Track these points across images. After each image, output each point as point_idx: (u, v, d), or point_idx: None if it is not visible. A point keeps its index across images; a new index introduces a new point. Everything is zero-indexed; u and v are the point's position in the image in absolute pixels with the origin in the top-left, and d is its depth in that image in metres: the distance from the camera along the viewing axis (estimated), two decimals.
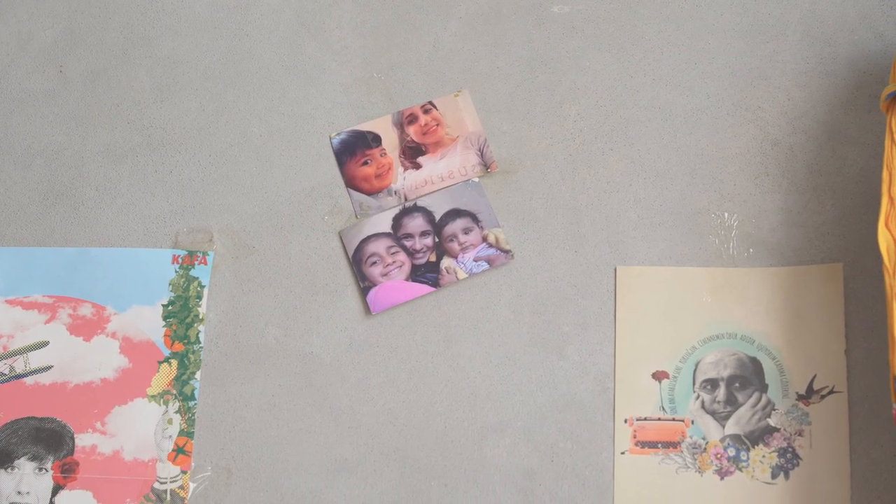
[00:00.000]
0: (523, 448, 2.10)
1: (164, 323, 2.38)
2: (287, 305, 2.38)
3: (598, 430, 2.04)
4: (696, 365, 2.01)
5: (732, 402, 1.96)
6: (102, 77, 2.54)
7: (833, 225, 2.26)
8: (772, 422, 2.04)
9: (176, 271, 2.42)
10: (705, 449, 1.94)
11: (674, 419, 1.96)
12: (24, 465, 2.33)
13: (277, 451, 2.29)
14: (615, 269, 2.12)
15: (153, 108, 2.52)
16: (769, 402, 2.05)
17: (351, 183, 2.39)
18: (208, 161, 2.47)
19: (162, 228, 2.42)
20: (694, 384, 1.99)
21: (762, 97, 2.40)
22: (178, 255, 2.42)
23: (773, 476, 2.00)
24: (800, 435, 2.03)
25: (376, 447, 2.28)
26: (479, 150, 2.36)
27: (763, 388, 2.06)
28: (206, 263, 2.43)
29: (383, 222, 2.34)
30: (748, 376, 2.07)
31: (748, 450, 1.94)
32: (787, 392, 2.06)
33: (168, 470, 2.30)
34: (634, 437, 1.97)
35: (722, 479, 1.94)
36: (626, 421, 1.99)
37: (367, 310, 2.34)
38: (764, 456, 2.00)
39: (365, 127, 2.42)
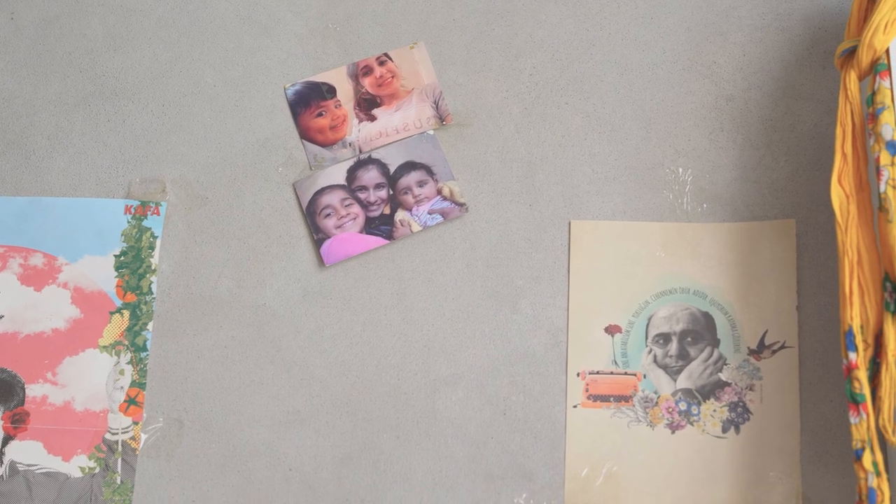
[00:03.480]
0: (476, 401, 2.11)
1: (116, 273, 2.37)
2: (240, 257, 2.37)
3: (551, 383, 2.06)
4: (649, 319, 2.03)
5: (684, 357, 1.99)
6: (54, 25, 2.52)
7: (786, 181, 2.26)
8: (723, 376, 2.05)
9: (128, 222, 2.40)
10: (657, 403, 1.98)
11: (626, 373, 1.99)
12: None
13: (230, 403, 2.29)
14: (569, 224, 2.12)
15: (106, 57, 2.49)
16: (721, 356, 2.06)
17: (305, 134, 2.38)
18: (161, 111, 2.45)
19: (114, 178, 2.41)
20: (646, 338, 2.02)
21: (718, 52, 2.40)
22: (131, 206, 2.41)
23: (724, 430, 2.03)
24: (751, 389, 2.04)
25: (329, 399, 2.28)
26: (435, 102, 2.35)
27: (715, 342, 2.07)
28: (158, 214, 2.42)
29: (337, 174, 2.33)
30: (700, 331, 2.08)
31: (699, 404, 1.98)
32: (739, 347, 2.07)
33: (119, 421, 2.30)
34: (587, 390, 1.99)
35: (673, 432, 1.98)
36: (578, 374, 2.02)
37: (321, 262, 2.34)
38: (715, 410, 2.02)
39: (320, 78, 2.41)
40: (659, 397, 1.98)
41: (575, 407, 2.01)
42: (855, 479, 2.06)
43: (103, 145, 2.43)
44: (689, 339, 2.02)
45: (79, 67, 2.49)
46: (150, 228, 2.39)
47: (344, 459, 2.26)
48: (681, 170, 2.19)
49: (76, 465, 2.29)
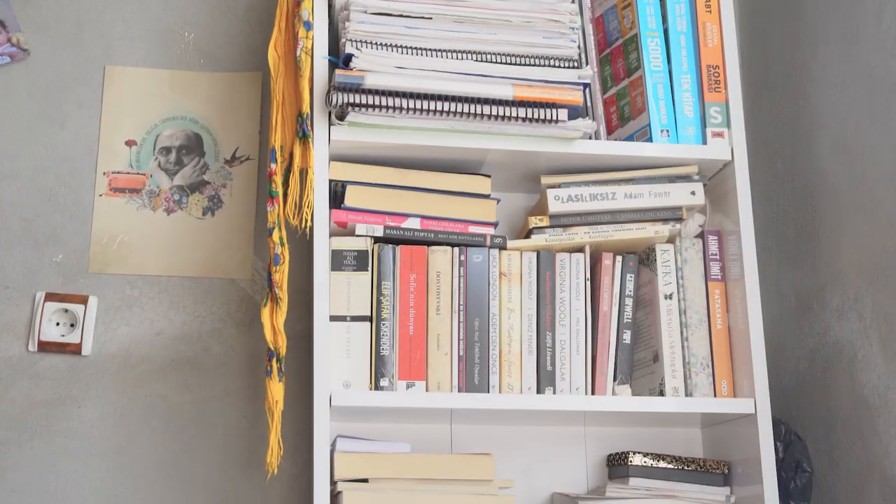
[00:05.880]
0: (29, 191, 2.46)
1: None
2: None
3: (85, 179, 2.49)
4: (157, 137, 2.53)
5: (180, 164, 2.53)
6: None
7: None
8: (206, 178, 2.52)
9: None
10: (159, 194, 2.51)
11: (138, 173, 2.52)
12: None
13: None
14: (104, 67, 2.55)
15: None
16: (205, 164, 2.53)
17: None
18: None
19: None
20: (154, 149, 2.53)
21: None
22: None
23: (204, 214, 2.50)
24: (224, 187, 2.51)
25: None
26: None
27: (202, 154, 2.53)
28: None
29: None
30: (192, 146, 2.54)
31: (188, 195, 2.52)
32: (218, 158, 2.54)
33: None
34: (109, 184, 2.50)
35: (168, 215, 2.50)
36: (104, 174, 2.51)
37: None
38: (199, 200, 2.52)
39: None
40: (160, 190, 2.51)
41: (101, 196, 2.49)
42: None
43: None
44: (183, 151, 2.54)
45: None
46: None
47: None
48: (186, 33, 2.56)
49: None
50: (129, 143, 2.51)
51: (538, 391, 2.15)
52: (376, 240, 2.17)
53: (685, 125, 2.23)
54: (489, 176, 2.23)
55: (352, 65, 2.11)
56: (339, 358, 2.11)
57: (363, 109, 2.11)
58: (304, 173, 2.17)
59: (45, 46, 2.51)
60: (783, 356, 2.38)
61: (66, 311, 2.32)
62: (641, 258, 2.24)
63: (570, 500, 2.21)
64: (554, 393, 2.16)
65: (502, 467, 2.24)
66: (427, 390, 2.13)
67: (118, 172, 2.49)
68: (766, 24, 2.51)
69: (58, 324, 2.31)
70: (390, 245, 2.16)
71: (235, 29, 2.56)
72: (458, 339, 2.15)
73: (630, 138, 2.25)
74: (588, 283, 2.20)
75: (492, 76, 2.15)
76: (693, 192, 2.22)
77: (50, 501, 2.25)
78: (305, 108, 2.13)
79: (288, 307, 2.13)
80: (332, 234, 2.16)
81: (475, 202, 2.21)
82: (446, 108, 2.12)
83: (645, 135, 2.21)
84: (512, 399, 2.13)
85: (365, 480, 2.05)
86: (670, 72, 2.24)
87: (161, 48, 2.55)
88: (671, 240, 2.23)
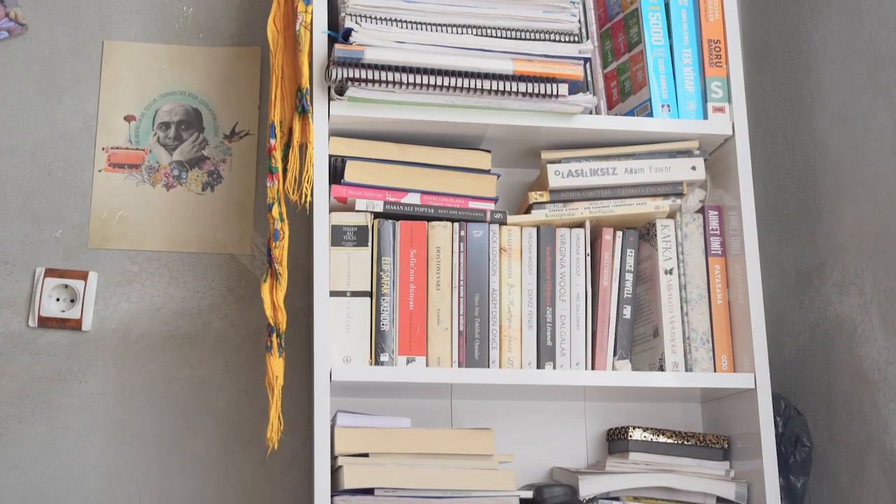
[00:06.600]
0: (28, 167, 2.44)
1: None
2: None
3: (84, 154, 2.49)
4: (156, 112, 2.53)
5: (179, 139, 2.53)
6: None
7: None
8: (205, 153, 2.52)
9: None
10: (158, 170, 2.52)
11: (137, 149, 2.52)
12: None
13: None
14: (102, 42, 2.54)
15: None
16: (204, 139, 2.53)
17: None
18: None
19: None
20: (153, 125, 2.53)
21: None
22: None
23: (203, 189, 2.51)
24: (223, 162, 2.51)
25: None
26: None
27: (201, 129, 2.54)
28: None
29: None
30: (191, 121, 2.54)
31: (188, 171, 2.52)
32: (217, 133, 2.53)
33: None
34: (108, 160, 2.50)
35: (168, 190, 2.50)
36: (103, 149, 2.50)
37: None
38: (198, 175, 2.52)
39: None
40: (160, 166, 2.51)
41: (100, 171, 2.49)
42: None
43: None
44: (182, 126, 2.54)
45: None
46: None
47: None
48: (184, 8, 2.56)
49: None
50: (128, 119, 2.51)
51: (538, 366, 2.17)
52: (376, 215, 2.17)
53: (686, 100, 2.23)
54: (489, 151, 2.24)
55: (351, 39, 2.11)
56: (339, 333, 2.12)
57: (363, 84, 2.11)
58: (303, 148, 2.17)
59: (43, 21, 2.50)
60: (783, 331, 2.39)
61: (66, 286, 2.33)
62: (642, 233, 2.24)
63: (570, 474, 2.22)
64: (554, 368, 2.17)
65: (502, 442, 2.26)
66: (427, 365, 2.14)
67: (117, 148, 2.49)
68: None
69: (58, 299, 2.32)
70: (390, 220, 2.17)
71: (234, 3, 2.55)
72: (459, 315, 2.16)
73: (631, 113, 2.25)
74: (588, 258, 2.21)
75: (492, 50, 2.15)
76: (694, 167, 2.22)
77: (51, 476, 2.26)
78: (305, 83, 2.13)
79: (288, 283, 2.13)
80: (331, 210, 2.16)
81: (475, 177, 2.21)
82: (446, 83, 2.12)
83: (645, 109, 2.21)
84: (512, 374, 2.14)
85: (365, 455, 2.06)
86: (671, 46, 2.25)
87: (159, 23, 2.54)
88: (671, 215, 2.24)
